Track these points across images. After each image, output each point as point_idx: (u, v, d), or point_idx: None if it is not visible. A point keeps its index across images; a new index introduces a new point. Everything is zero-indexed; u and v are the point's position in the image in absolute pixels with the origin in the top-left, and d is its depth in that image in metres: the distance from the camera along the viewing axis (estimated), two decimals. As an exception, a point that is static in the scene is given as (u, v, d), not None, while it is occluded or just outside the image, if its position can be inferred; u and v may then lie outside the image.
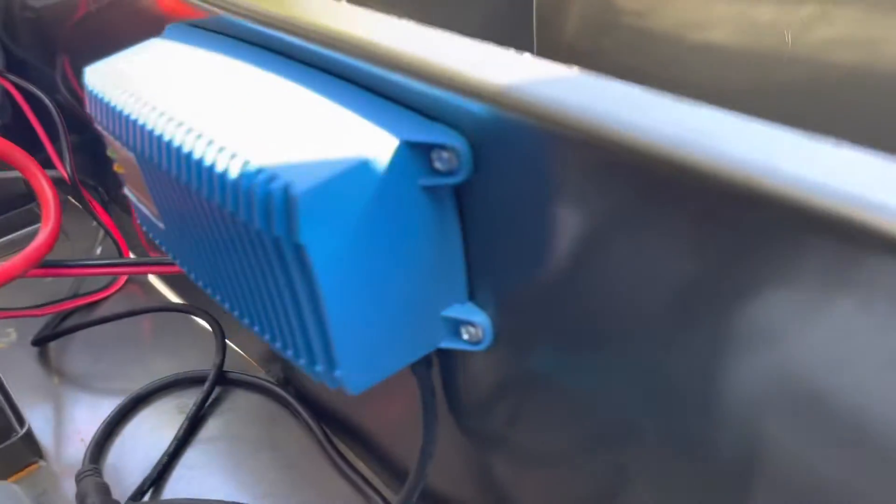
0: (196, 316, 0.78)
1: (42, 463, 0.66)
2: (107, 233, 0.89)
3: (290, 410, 0.69)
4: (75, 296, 0.84)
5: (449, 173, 0.32)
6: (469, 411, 0.45)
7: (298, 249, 0.31)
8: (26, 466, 0.64)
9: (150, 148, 0.37)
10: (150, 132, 0.36)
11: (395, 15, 0.37)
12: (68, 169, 0.83)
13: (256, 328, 0.39)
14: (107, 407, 0.70)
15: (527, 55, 0.31)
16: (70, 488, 0.61)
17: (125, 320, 0.80)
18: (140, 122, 0.37)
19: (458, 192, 0.34)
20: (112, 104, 0.40)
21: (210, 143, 0.33)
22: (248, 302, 0.38)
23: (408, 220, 0.33)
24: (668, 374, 0.30)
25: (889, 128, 0.72)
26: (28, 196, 1.04)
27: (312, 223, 0.30)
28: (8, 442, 0.62)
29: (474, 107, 0.30)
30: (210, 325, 0.76)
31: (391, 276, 0.34)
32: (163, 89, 0.38)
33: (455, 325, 0.37)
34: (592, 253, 0.30)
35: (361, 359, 0.35)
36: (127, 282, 0.89)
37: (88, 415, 0.71)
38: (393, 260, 0.33)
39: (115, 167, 0.46)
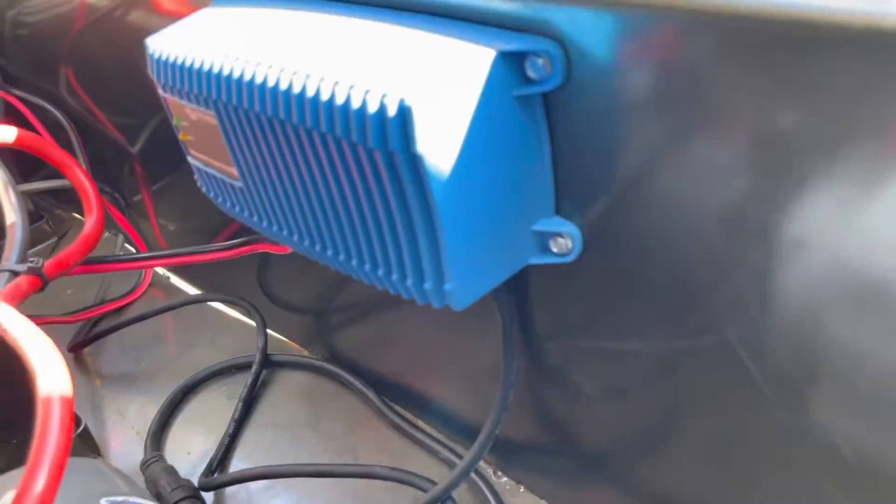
0: (235, 305, 0.78)
1: (101, 459, 0.66)
2: (126, 237, 0.89)
3: (342, 382, 0.70)
4: (102, 302, 0.84)
5: (541, 81, 0.34)
6: (548, 333, 0.47)
7: (414, 160, 0.32)
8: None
9: (241, 97, 0.38)
10: (243, 80, 0.37)
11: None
12: (85, 176, 0.83)
13: (354, 261, 0.40)
14: (154, 401, 0.70)
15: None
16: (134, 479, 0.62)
17: (154, 320, 0.80)
18: (229, 73, 0.38)
19: (548, 101, 0.36)
20: (190, 64, 0.41)
21: (310, 76, 0.35)
22: (344, 233, 0.39)
23: (504, 131, 0.35)
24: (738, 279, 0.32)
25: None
26: (35, 215, 1.04)
27: (427, 134, 0.32)
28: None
29: (573, 10, 0.32)
30: (248, 313, 0.76)
31: (491, 187, 0.36)
32: (243, 42, 0.40)
33: (544, 239, 0.39)
34: (683, 144, 0.32)
35: (468, 271, 0.36)
36: (150, 285, 0.89)
37: (138, 409, 0.71)
38: (493, 171, 0.35)
39: (181, 136, 0.47)
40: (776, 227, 0.31)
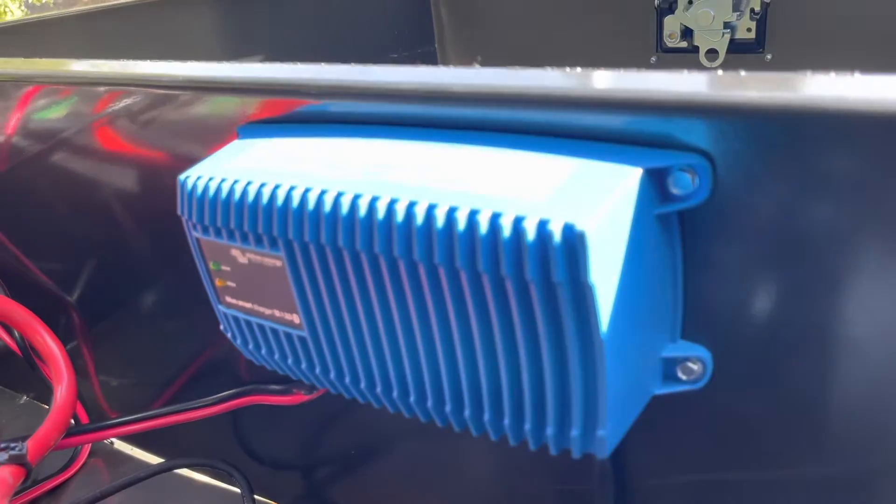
0: (210, 469, 0.68)
1: None
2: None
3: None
4: (35, 483, 0.71)
5: (685, 197, 0.32)
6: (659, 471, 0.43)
7: (582, 292, 0.28)
8: None
9: (330, 232, 0.33)
10: (335, 214, 0.33)
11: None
12: (16, 337, 0.71)
13: (468, 411, 0.35)
14: None
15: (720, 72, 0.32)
16: None
17: (109, 501, 0.68)
18: (314, 207, 0.33)
19: (684, 218, 0.33)
20: (251, 200, 0.35)
21: (434, 206, 0.30)
22: (458, 381, 0.34)
23: (648, 252, 0.32)
24: None
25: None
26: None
27: (601, 259, 0.28)
28: None
29: (722, 123, 0.30)
30: (228, 478, 0.66)
31: (640, 315, 0.32)
32: (315, 175, 0.35)
33: (671, 366, 0.36)
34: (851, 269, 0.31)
35: (621, 412, 0.32)
36: (88, 456, 0.76)
37: None
38: (641, 298, 0.32)
39: (217, 282, 0.41)
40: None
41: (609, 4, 1.02)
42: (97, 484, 0.69)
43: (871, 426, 0.33)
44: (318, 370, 0.40)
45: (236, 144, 0.42)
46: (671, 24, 0.95)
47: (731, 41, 0.92)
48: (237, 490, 0.65)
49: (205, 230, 0.39)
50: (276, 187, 0.35)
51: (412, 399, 0.37)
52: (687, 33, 0.94)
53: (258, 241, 0.37)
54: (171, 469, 0.69)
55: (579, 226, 0.28)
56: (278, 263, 0.36)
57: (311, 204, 0.34)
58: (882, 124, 0.27)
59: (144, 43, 1.05)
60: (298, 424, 0.62)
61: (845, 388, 0.33)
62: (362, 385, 0.38)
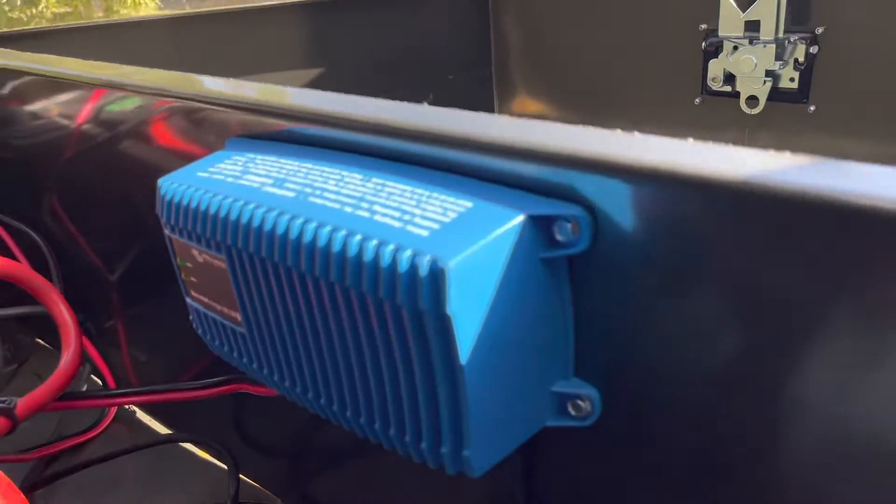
0: (206, 447, 0.74)
1: None
2: (93, 367, 0.85)
3: (319, 537, 0.65)
4: (60, 438, 0.79)
5: (568, 245, 0.34)
6: (560, 500, 0.45)
7: (443, 321, 0.31)
8: None
9: (259, 245, 0.37)
10: (262, 229, 0.37)
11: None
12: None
13: (363, 418, 0.38)
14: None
15: (637, 134, 0.34)
16: None
17: (117, 461, 0.75)
18: (247, 220, 0.38)
19: (573, 264, 0.36)
20: (204, 207, 0.40)
21: (336, 230, 0.34)
22: (355, 388, 0.38)
23: (530, 292, 0.34)
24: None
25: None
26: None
27: (459, 294, 0.31)
28: None
29: (602, 179, 0.33)
30: (220, 457, 0.72)
31: (516, 348, 0.35)
32: (260, 188, 0.39)
33: (562, 401, 0.38)
34: (698, 310, 0.32)
35: (489, 436, 0.35)
36: (112, 420, 0.84)
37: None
38: (517, 332, 0.34)
39: (183, 276, 0.46)
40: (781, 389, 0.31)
41: (661, 43, 1.02)
42: (112, 447, 0.77)
43: (758, 462, 0.34)
44: (255, 366, 0.44)
45: (216, 156, 0.47)
46: (715, 68, 0.95)
47: (774, 89, 0.91)
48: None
49: (172, 229, 0.44)
50: (223, 198, 0.40)
51: (334, 407, 0.40)
52: (730, 78, 0.94)
53: (208, 244, 0.41)
54: (169, 441, 0.75)
55: (442, 262, 0.31)
56: (223, 266, 0.41)
57: (244, 217, 0.38)
58: (727, 192, 0.29)
59: (227, 51, 1.13)
60: (284, 414, 0.67)
61: (733, 427, 0.34)
62: (288, 385, 0.42)
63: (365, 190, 0.38)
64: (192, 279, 0.45)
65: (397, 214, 0.35)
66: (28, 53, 0.79)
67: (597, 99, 1.07)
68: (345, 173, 0.40)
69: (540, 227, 0.34)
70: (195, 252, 0.43)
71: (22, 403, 0.49)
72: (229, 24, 1.15)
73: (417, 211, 0.35)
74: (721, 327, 0.32)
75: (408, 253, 0.32)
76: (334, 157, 0.42)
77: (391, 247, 0.32)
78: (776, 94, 0.90)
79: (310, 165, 0.42)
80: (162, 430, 0.83)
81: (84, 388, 0.88)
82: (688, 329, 0.33)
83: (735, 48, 0.90)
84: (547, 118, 1.18)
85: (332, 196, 0.38)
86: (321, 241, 0.35)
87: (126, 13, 8.93)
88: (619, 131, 0.35)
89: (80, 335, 0.59)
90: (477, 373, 0.33)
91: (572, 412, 0.38)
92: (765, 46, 0.88)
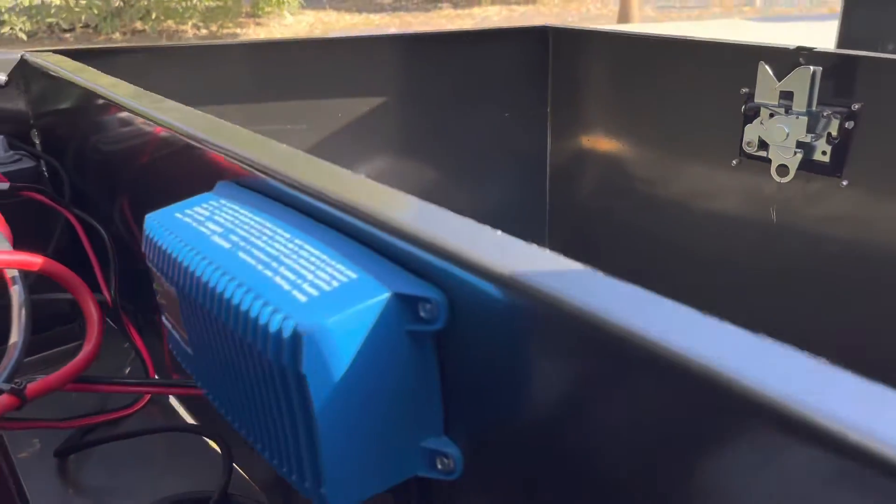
0: (207, 437, 0.83)
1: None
2: (137, 354, 0.96)
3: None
4: (100, 412, 0.90)
5: (429, 322, 0.39)
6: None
7: (300, 378, 0.37)
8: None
9: (191, 287, 0.44)
10: (194, 275, 0.44)
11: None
12: (112, 293, 0.91)
13: (258, 446, 0.44)
14: (114, 521, 0.74)
15: (499, 233, 0.39)
16: None
17: (143, 438, 0.85)
18: (186, 266, 0.45)
19: (439, 337, 0.40)
20: (165, 249, 0.48)
21: (240, 285, 0.41)
22: (254, 422, 0.44)
23: (395, 359, 0.40)
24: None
25: (887, 304, 0.77)
26: (68, 317, 1.13)
27: (313, 358, 0.37)
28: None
29: (457, 270, 0.37)
30: (219, 448, 0.80)
31: (377, 407, 0.40)
32: (206, 240, 0.47)
33: (431, 456, 0.43)
34: (554, 405, 0.36)
35: (345, 478, 0.40)
36: (149, 402, 0.94)
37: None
38: (380, 394, 0.39)
39: (158, 298, 0.54)
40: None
41: (705, 101, 1.03)
42: (141, 426, 0.87)
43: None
44: (200, 382, 0.51)
45: (199, 198, 0.55)
46: (750, 133, 0.94)
47: (806, 161, 0.89)
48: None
49: (148, 260, 0.52)
50: (179, 242, 0.47)
51: (243, 432, 0.47)
52: (764, 145, 0.93)
53: (167, 278, 0.49)
54: (180, 430, 0.85)
55: (300, 328, 0.37)
56: (175, 297, 0.49)
57: (185, 262, 0.45)
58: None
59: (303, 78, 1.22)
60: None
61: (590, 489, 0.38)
62: (217, 403, 0.49)
63: (283, 250, 0.44)
64: (163, 302, 0.53)
65: (292, 278, 0.41)
66: (105, 77, 0.90)
67: (642, 143, 1.09)
68: (278, 230, 0.46)
69: (406, 304, 0.39)
70: (162, 281, 0.51)
71: (32, 386, 0.59)
72: (312, 50, 1.24)
73: (310, 276, 0.41)
74: (545, 398, 0.36)
75: (280, 316, 0.38)
76: (281, 212, 0.49)
77: (271, 308, 0.38)
78: (808, 166, 0.88)
79: (257, 219, 0.48)
80: (189, 419, 0.93)
81: (127, 371, 1.00)
82: (525, 399, 0.37)
83: (771, 115, 0.89)
84: (594, 159, 1.21)
85: (256, 252, 0.44)
86: (227, 293, 0.41)
87: (270, 10, 9.50)
88: (484, 228, 0.39)
89: (102, 332, 0.68)
90: (330, 424, 0.38)
91: (439, 466, 0.43)
92: (797, 118, 0.87)
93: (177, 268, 0.46)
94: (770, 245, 0.98)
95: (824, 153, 0.85)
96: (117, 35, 8.58)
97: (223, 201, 0.53)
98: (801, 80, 0.84)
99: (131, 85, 0.85)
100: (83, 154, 1.06)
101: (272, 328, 0.38)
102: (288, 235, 0.46)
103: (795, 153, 0.87)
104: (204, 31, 8.96)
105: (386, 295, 0.38)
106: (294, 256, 0.43)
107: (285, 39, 1.22)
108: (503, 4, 11.63)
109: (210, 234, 0.48)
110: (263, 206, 0.51)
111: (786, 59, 0.86)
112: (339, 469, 0.39)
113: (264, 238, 0.46)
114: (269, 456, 0.44)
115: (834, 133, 0.84)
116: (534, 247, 0.37)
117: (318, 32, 9.22)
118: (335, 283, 0.40)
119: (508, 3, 11.78)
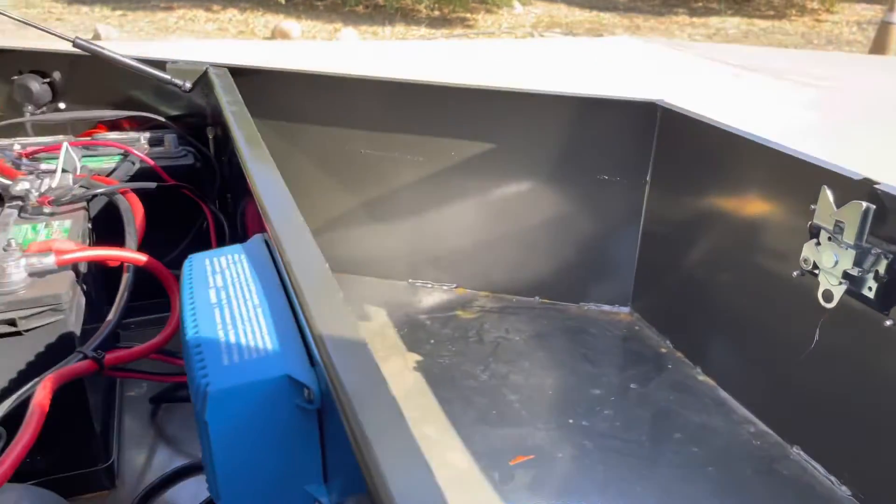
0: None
1: (112, 492, 0.90)
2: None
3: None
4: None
5: (309, 402, 0.51)
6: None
7: (206, 424, 0.51)
8: (99, 491, 0.89)
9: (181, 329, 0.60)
10: (183, 321, 0.60)
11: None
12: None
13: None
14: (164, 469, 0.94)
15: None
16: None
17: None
18: (182, 311, 0.61)
19: (319, 412, 0.52)
20: (182, 289, 0.64)
21: (197, 344, 0.55)
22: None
23: (285, 424, 0.52)
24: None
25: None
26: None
27: (213, 410, 0.50)
28: (94, 468, 0.88)
29: (317, 373, 0.49)
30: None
31: (268, 457, 0.53)
32: (204, 292, 0.62)
33: (311, 500, 0.55)
34: None
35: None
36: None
37: (158, 468, 0.95)
38: (271, 447, 0.52)
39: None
40: None
41: (778, 210, 1.02)
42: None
43: None
44: (195, 392, 0.67)
45: (230, 248, 0.70)
46: (807, 250, 0.92)
47: (852, 291, 0.87)
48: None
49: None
50: (189, 286, 0.63)
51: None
52: (817, 266, 0.91)
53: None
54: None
55: (210, 388, 0.50)
56: (184, 327, 0.65)
57: (183, 307, 0.61)
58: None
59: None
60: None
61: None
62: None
63: (245, 314, 0.58)
64: (188, 324, 0.70)
65: (233, 341, 0.55)
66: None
67: (724, 230, 1.10)
68: (253, 295, 0.61)
69: (295, 385, 0.52)
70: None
71: (111, 356, 0.79)
72: (436, 95, 1.36)
73: (245, 343, 0.55)
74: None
75: (205, 372, 0.52)
76: (267, 275, 0.63)
77: (204, 363, 0.53)
78: (854, 296, 0.85)
79: (248, 280, 0.63)
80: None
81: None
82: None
83: (829, 238, 0.87)
84: (684, 231, 1.23)
85: (228, 312, 0.59)
86: (190, 345, 0.56)
87: (498, 7, 9.76)
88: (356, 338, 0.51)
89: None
90: (225, 462, 0.52)
91: (320, 508, 0.55)
92: (846, 248, 0.85)
93: (181, 309, 0.62)
94: (812, 364, 0.97)
95: (870, 289, 0.83)
96: (360, 8, 9.29)
97: (242, 257, 0.68)
98: (853, 214, 0.82)
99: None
100: (231, 160, 1.29)
101: (197, 381, 0.52)
102: (256, 301, 0.60)
103: (841, 283, 0.85)
104: (436, 13, 9.42)
105: (278, 376, 0.51)
106: (248, 322, 0.57)
107: (419, 82, 1.35)
108: (745, 17, 10.98)
109: (210, 286, 0.63)
110: (262, 267, 0.65)
111: (847, 187, 0.84)
112: (233, 499, 0.53)
113: (241, 299, 0.60)
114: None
115: (882, 271, 0.81)
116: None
117: (542, 26, 9.34)
118: (255, 354, 0.53)
119: (751, 17, 11.09)
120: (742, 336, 1.13)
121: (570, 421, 1.09)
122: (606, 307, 1.39)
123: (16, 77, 1.46)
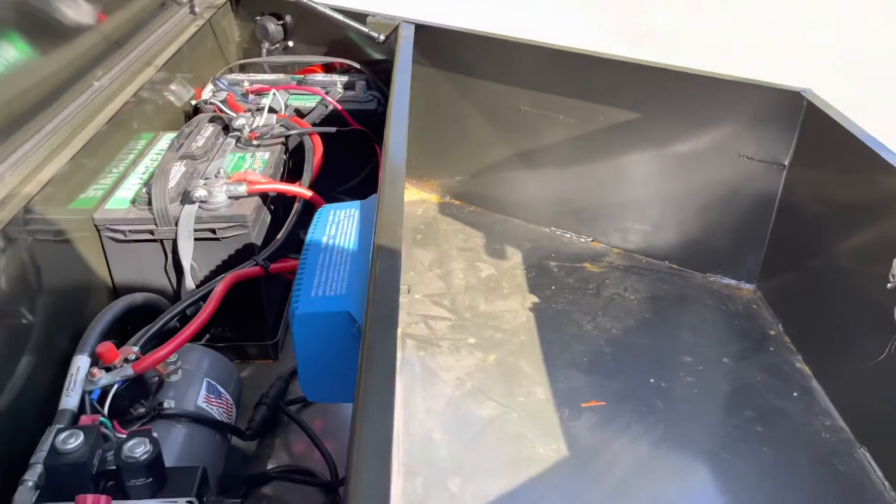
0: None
1: (275, 362, 1.20)
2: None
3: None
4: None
5: (359, 332, 0.73)
6: None
7: (293, 335, 0.75)
8: (265, 359, 1.20)
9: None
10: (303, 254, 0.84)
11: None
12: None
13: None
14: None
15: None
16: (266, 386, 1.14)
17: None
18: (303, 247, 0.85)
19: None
20: (310, 232, 0.88)
21: (301, 273, 0.79)
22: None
23: (342, 343, 0.75)
24: None
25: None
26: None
27: (297, 323, 0.74)
28: (263, 342, 1.19)
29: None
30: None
31: (331, 363, 0.76)
32: (321, 235, 0.86)
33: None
34: None
35: (313, 383, 0.78)
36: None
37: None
38: (333, 356, 0.76)
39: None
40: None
41: (871, 261, 1.03)
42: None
43: None
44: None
45: (352, 203, 0.93)
46: (896, 267, 0.93)
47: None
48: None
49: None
50: (313, 230, 0.87)
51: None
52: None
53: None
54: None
55: (297, 310, 0.74)
56: (307, 259, 0.90)
57: (305, 244, 0.85)
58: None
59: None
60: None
61: None
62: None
63: (338, 258, 0.81)
64: (316, 255, 0.95)
65: (323, 279, 0.78)
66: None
67: (855, 235, 1.12)
68: (350, 243, 0.83)
69: (352, 319, 0.74)
70: (313, 245, 0.92)
71: (274, 266, 1.07)
72: (594, 65, 1.45)
73: (329, 282, 0.78)
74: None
75: (298, 297, 0.76)
76: (365, 228, 0.85)
77: (299, 291, 0.77)
78: None
79: (353, 230, 0.86)
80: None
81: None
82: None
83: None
84: (814, 223, 1.25)
85: (328, 254, 0.82)
86: (298, 272, 0.80)
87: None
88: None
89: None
90: (305, 364, 0.76)
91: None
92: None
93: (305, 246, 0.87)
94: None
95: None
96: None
97: (356, 212, 0.91)
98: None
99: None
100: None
101: (292, 303, 0.76)
102: (349, 251, 0.82)
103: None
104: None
105: (343, 312, 0.74)
106: (337, 266, 0.80)
107: (579, 51, 1.44)
108: None
109: (325, 234, 0.86)
110: (366, 223, 0.87)
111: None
112: (308, 387, 0.78)
113: (340, 245, 0.83)
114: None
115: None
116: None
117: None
118: (330, 293, 0.76)
119: None
120: (849, 332, 1.15)
121: (652, 380, 1.21)
122: (732, 281, 1.44)
123: (258, 17, 1.79)
